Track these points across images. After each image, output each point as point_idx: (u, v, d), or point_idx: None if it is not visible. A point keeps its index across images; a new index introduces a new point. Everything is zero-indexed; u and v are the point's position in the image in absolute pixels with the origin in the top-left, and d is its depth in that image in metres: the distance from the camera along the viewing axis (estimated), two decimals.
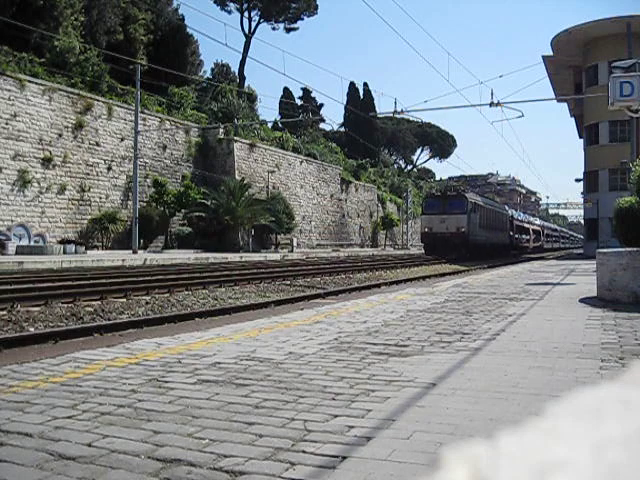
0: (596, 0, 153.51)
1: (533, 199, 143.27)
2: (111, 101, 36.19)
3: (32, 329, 8.13)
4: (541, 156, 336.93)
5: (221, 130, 43.39)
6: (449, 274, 21.72)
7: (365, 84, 76.62)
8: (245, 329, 6.17)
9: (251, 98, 57.74)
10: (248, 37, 60.75)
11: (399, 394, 3.48)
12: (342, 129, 76.14)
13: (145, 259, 25.29)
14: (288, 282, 16.92)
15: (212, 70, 63.56)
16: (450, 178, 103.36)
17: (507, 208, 54.01)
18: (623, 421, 0.43)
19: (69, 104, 32.92)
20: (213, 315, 9.84)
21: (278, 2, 60.97)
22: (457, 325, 6.35)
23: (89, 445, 2.68)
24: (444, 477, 0.40)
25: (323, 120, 72.85)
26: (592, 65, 39.84)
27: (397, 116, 34.35)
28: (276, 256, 34.87)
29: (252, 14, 62.92)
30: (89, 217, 33.15)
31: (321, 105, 77.27)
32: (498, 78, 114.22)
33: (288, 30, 66.70)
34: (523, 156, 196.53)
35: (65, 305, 10.51)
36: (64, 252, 25.99)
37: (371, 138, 70.11)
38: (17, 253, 25.67)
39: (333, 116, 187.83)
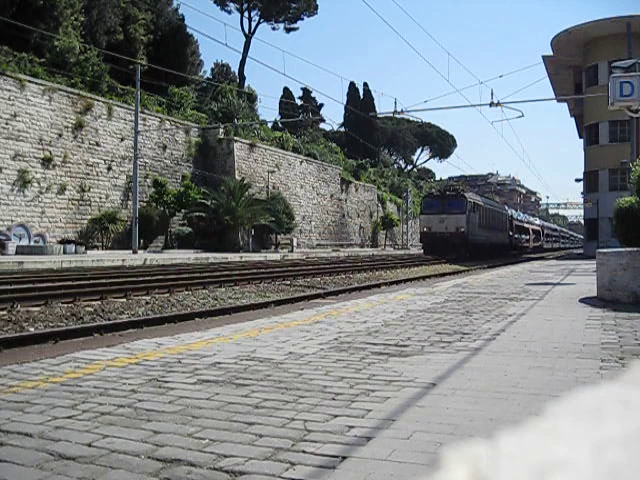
0: (596, 0, 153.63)
1: (533, 199, 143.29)
2: (111, 101, 36.19)
3: (32, 329, 8.13)
4: (541, 156, 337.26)
5: (221, 130, 43.39)
6: (449, 274, 21.72)
7: (365, 84, 76.71)
8: (245, 329, 6.17)
9: (251, 98, 57.75)
10: (248, 37, 60.78)
11: (399, 394, 3.48)
12: (342, 129, 76.16)
13: (145, 259, 25.29)
14: (288, 282, 16.92)
15: (212, 70, 63.64)
16: (450, 178, 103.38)
17: (507, 208, 54.00)
18: (623, 421, 0.43)
19: (69, 104, 32.92)
20: (213, 315, 9.84)
21: (278, 2, 60.98)
22: (457, 325, 6.35)
23: (89, 445, 2.68)
24: (444, 477, 0.40)
25: (323, 120, 72.95)
26: (592, 65, 39.84)
27: (397, 116, 34.34)
28: (276, 256, 34.87)
29: (252, 14, 62.98)
30: (89, 217, 33.15)
31: (321, 105, 77.31)
32: (498, 78, 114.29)
33: (288, 30, 66.77)
34: (523, 156, 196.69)
35: (65, 305, 10.51)
36: (64, 252, 25.99)
37: (371, 138, 70.11)
38: (17, 253, 25.67)
39: (333, 116, 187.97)
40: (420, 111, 77.74)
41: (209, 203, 38.57)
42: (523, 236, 56.27)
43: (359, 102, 70.10)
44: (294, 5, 63.01)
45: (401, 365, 4.30)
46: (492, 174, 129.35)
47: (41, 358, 4.69)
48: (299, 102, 74.55)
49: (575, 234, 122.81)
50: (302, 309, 8.82)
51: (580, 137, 48.62)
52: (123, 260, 23.93)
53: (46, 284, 13.67)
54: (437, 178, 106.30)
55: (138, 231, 30.43)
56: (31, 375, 4.05)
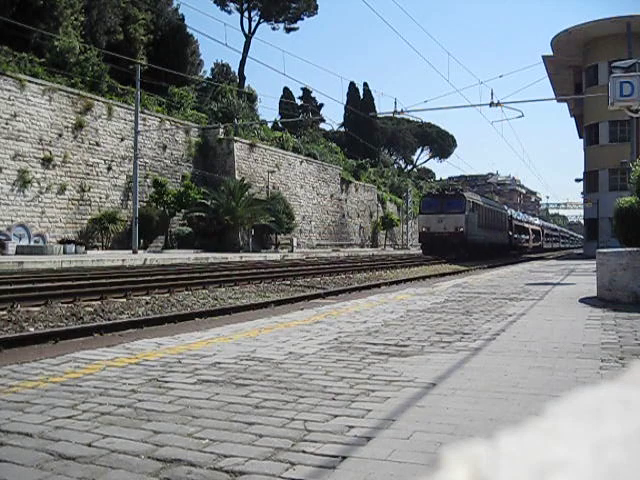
0: (596, 0, 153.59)
1: (533, 199, 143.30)
2: (111, 101, 36.20)
3: (32, 329, 8.13)
4: (541, 156, 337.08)
5: (221, 130, 43.40)
6: (449, 274, 21.72)
7: (365, 84, 76.72)
8: (245, 329, 6.17)
9: (251, 98, 57.76)
10: (248, 37, 60.79)
11: (399, 394, 3.48)
12: (342, 129, 76.16)
13: (145, 259, 25.29)
14: (288, 282, 16.92)
15: (212, 70, 63.64)
16: (450, 178, 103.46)
17: (506, 208, 53.97)
18: (623, 421, 0.43)
19: (69, 104, 32.92)
20: (213, 315, 9.84)
21: (278, 2, 60.98)
22: (457, 325, 6.35)
23: (89, 445, 2.68)
24: (444, 477, 0.40)
25: (323, 120, 72.95)
26: (592, 65, 39.84)
27: (397, 116, 34.32)
28: (276, 256, 34.88)
29: (252, 14, 62.99)
30: (89, 217, 33.15)
31: (321, 105, 77.31)
32: (498, 78, 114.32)
33: (288, 30, 66.78)
34: (523, 156, 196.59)
35: (65, 305, 10.51)
36: (64, 252, 25.99)
37: (371, 138, 70.12)
38: (17, 253, 25.67)
39: (333, 116, 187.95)
40: (420, 111, 77.73)
41: (209, 203, 38.57)
42: (523, 236, 56.26)
43: (359, 102, 70.10)
44: (294, 5, 63.01)
45: (401, 365, 4.30)
46: (492, 174, 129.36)
47: (41, 358, 4.69)
48: (299, 102, 74.56)
49: (575, 234, 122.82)
50: (302, 309, 8.82)
51: (580, 137, 48.63)
52: (123, 260, 23.93)
53: (46, 284, 13.67)
54: (437, 178, 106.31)
55: (138, 231, 30.43)
56: (31, 375, 4.05)
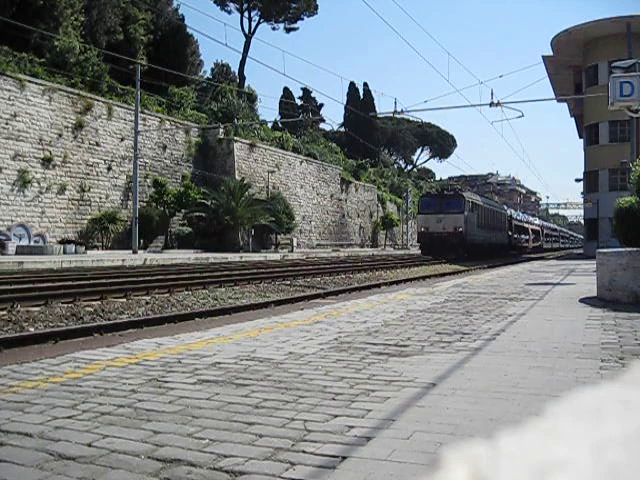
0: (596, 0, 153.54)
1: (533, 199, 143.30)
2: (111, 101, 36.20)
3: (32, 329, 8.13)
4: (541, 156, 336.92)
5: (221, 130, 43.40)
6: (449, 274, 21.72)
7: (365, 84, 76.72)
8: (245, 329, 6.17)
9: (251, 98, 57.76)
10: (248, 37, 60.78)
11: (399, 394, 3.48)
12: (342, 129, 76.16)
13: (145, 259, 25.29)
14: (288, 282, 16.92)
15: (212, 70, 63.63)
16: (450, 178, 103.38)
17: (506, 208, 53.93)
18: (623, 421, 0.43)
19: (69, 104, 32.92)
20: (213, 315, 9.84)
21: (278, 2, 60.98)
22: (457, 325, 6.35)
23: (89, 445, 2.68)
24: (444, 477, 0.40)
25: (323, 120, 72.94)
26: (592, 65, 39.84)
27: (397, 116, 34.30)
28: (276, 256, 34.88)
29: (252, 14, 62.98)
30: (89, 217, 33.15)
31: (321, 105, 77.31)
32: (498, 78, 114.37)
33: (288, 30, 66.77)
34: (523, 156, 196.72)
35: (65, 305, 10.51)
36: (64, 252, 25.99)
37: (371, 138, 70.12)
38: (17, 253, 25.67)
39: (333, 116, 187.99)
40: (420, 111, 77.79)
41: (209, 203, 38.57)
42: (522, 236, 56.24)
43: (359, 102, 70.11)
44: (294, 5, 63.01)
45: (401, 365, 4.30)
46: (492, 174, 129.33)
47: (41, 358, 4.69)
48: (299, 102, 74.56)
49: (575, 234, 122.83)
50: (302, 309, 8.82)
51: (580, 137, 48.63)
52: (123, 260, 23.93)
53: (46, 284, 13.67)
54: (437, 178, 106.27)
55: (138, 231, 30.43)
56: (31, 375, 4.05)
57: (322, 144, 62.91)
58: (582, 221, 57.32)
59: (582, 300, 8.97)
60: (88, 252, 28.15)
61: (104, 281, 14.44)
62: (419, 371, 4.09)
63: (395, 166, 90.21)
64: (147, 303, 11.31)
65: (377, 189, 67.68)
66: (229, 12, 63.74)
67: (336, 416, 3.07)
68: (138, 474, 2.37)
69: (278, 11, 62.63)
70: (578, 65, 41.58)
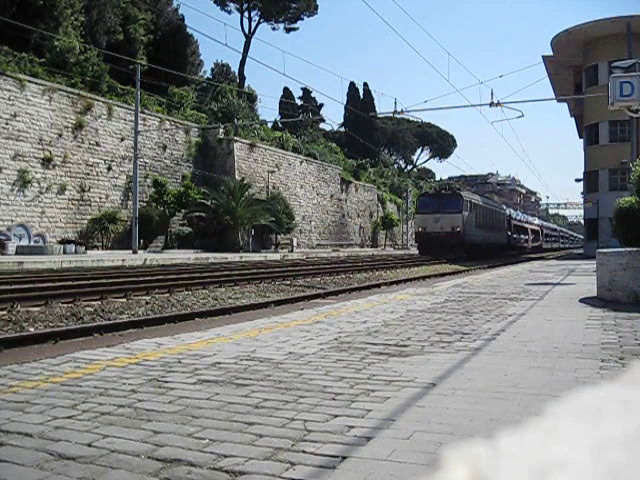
0: (596, 0, 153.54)
1: (533, 199, 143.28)
2: (111, 101, 36.20)
3: (32, 329, 8.13)
4: (541, 156, 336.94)
5: (221, 130, 43.40)
6: (449, 274, 21.72)
7: (365, 84, 76.72)
8: (245, 329, 6.17)
9: (251, 98, 57.76)
10: (248, 37, 60.78)
11: (399, 394, 3.48)
12: (342, 129, 76.17)
13: (145, 259, 25.29)
14: (288, 282, 16.92)
15: (212, 70, 63.63)
16: (450, 178, 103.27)
17: (505, 207, 53.86)
18: (623, 421, 0.43)
19: (69, 104, 32.92)
20: (213, 315, 9.84)
21: (278, 2, 60.98)
22: (457, 325, 6.35)
23: (89, 445, 2.68)
24: (444, 477, 0.40)
25: (323, 120, 72.95)
26: (592, 65, 39.84)
27: (397, 116, 34.28)
28: (276, 256, 34.88)
29: (252, 14, 62.98)
30: (89, 217, 33.16)
31: (321, 105, 77.32)
32: (498, 78, 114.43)
33: (288, 30, 66.77)
34: (523, 156, 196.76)
35: (65, 305, 10.51)
36: (64, 252, 25.99)
37: (371, 138, 70.12)
38: (17, 253, 25.68)
39: (333, 116, 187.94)
40: (420, 111, 77.82)
41: (209, 203, 38.58)
42: (522, 236, 56.20)
43: (359, 102, 70.11)
44: (294, 5, 63.01)
45: (401, 365, 4.30)
46: (492, 174, 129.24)
47: (41, 358, 4.70)
48: (299, 102, 74.56)
49: (575, 234, 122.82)
50: (302, 309, 8.83)
51: (580, 137, 48.63)
52: (123, 260, 23.93)
53: (46, 284, 13.67)
54: (437, 178, 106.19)
55: (138, 231, 30.43)
56: (31, 375, 4.05)
57: (322, 144, 62.91)
58: (582, 221, 57.32)
59: (582, 300, 8.98)
60: (88, 252, 28.15)
61: (104, 281, 14.44)
62: (419, 371, 4.09)
63: (395, 166, 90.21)
64: (147, 303, 11.31)
65: (377, 189, 67.69)
66: (229, 12, 63.82)
67: (336, 416, 3.07)
68: (138, 474, 2.37)
69: (278, 11, 62.63)
70: (578, 65, 41.58)
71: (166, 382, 3.84)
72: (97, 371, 4.17)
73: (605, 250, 9.82)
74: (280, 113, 66.05)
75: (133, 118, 32.25)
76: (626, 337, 5.46)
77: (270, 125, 56.44)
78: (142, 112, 34.93)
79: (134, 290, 12.65)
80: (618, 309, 7.68)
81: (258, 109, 61.45)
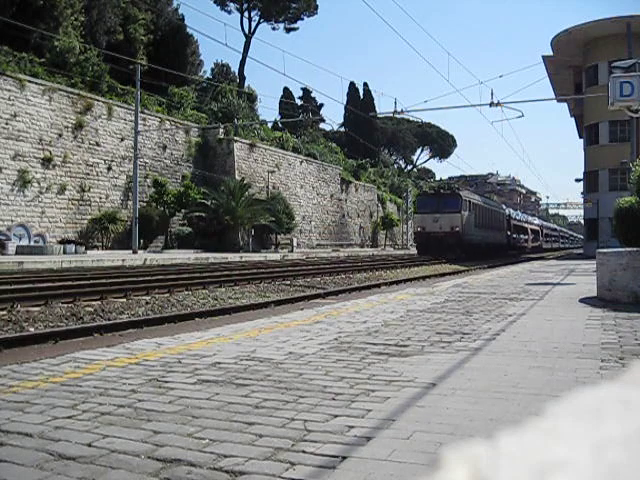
0: (596, 0, 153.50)
1: (533, 199, 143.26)
2: (111, 101, 36.20)
3: (32, 329, 8.13)
4: (541, 156, 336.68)
5: (221, 130, 43.40)
6: (449, 274, 21.72)
7: (365, 84, 76.73)
8: (245, 329, 6.17)
9: (251, 98, 57.76)
10: (248, 37, 60.79)
11: (399, 394, 3.48)
12: (342, 129, 76.17)
13: (145, 259, 25.29)
14: (288, 282, 16.92)
15: (212, 70, 63.63)
16: (450, 178, 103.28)
17: (504, 207, 53.81)
18: (623, 421, 0.43)
19: (69, 104, 32.93)
20: (213, 315, 9.84)
21: (278, 2, 60.98)
22: (457, 325, 6.35)
23: (89, 445, 2.68)
24: (444, 477, 0.40)
25: (323, 120, 72.95)
26: (592, 65, 39.84)
27: (397, 116, 34.26)
28: (276, 256, 34.88)
29: (252, 14, 62.99)
30: (89, 217, 33.16)
31: (321, 105, 77.32)
32: (498, 78, 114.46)
33: (288, 30, 66.77)
34: (523, 156, 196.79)
35: (65, 305, 10.52)
36: (64, 252, 25.99)
37: (371, 138, 70.12)
38: (17, 253, 25.68)
39: (333, 116, 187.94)
40: (420, 111, 77.84)
41: (209, 203, 38.58)
42: (521, 236, 56.16)
43: (359, 102, 70.11)
44: (294, 5, 63.01)
45: (401, 365, 4.30)
46: (492, 174, 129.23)
47: (41, 358, 4.70)
48: (299, 102, 74.57)
49: (575, 234, 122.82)
50: (302, 309, 8.83)
51: (580, 137, 48.64)
52: (123, 260, 23.93)
53: (46, 284, 13.67)
54: (437, 178, 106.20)
55: (138, 231, 30.44)
56: (31, 375, 4.05)
57: (322, 144, 62.91)
58: (582, 221, 57.32)
59: (582, 300, 8.98)
60: (88, 252, 28.15)
61: (104, 281, 14.44)
62: (419, 371, 4.09)
63: (395, 166, 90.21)
64: (147, 303, 11.31)
65: (377, 189, 67.69)
66: (229, 12, 63.82)
67: (336, 416, 3.07)
68: (138, 474, 2.37)
69: (278, 11, 62.64)
70: (578, 65, 41.58)
71: (166, 382, 3.84)
72: (97, 371, 4.17)
73: (605, 250, 9.82)
74: (280, 113, 66.09)
75: (133, 118, 32.25)
76: (626, 337, 5.46)
77: (270, 125, 56.46)
78: (142, 112, 34.94)
79: (134, 290, 12.65)
80: (618, 309, 7.68)
81: (258, 109, 61.53)
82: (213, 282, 15.19)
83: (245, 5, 62.05)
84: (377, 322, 6.62)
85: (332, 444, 2.66)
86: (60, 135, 32.10)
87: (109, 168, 35.01)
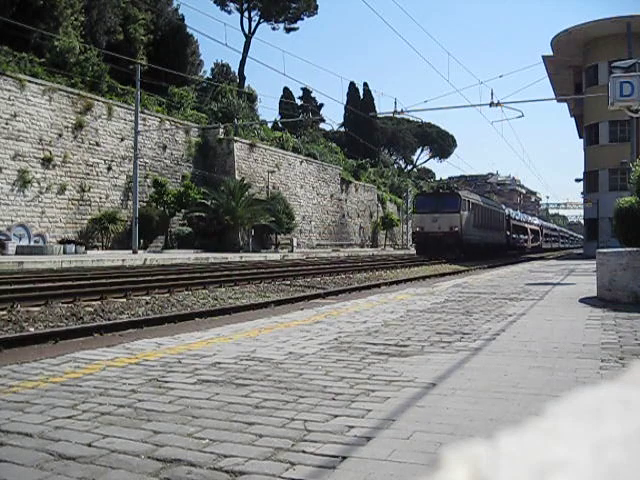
0: (596, 0, 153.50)
1: (533, 199, 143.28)
2: (111, 101, 36.20)
3: (32, 329, 8.13)
4: (541, 156, 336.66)
5: (221, 130, 43.40)
6: (449, 274, 21.72)
7: (365, 84, 76.72)
8: (245, 329, 6.17)
9: (251, 98, 57.76)
10: (248, 37, 60.79)
11: (399, 394, 3.48)
12: (342, 129, 76.17)
13: (145, 259, 25.29)
14: (288, 282, 16.92)
15: (212, 70, 63.62)
16: (450, 178, 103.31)
17: (504, 207, 53.77)
18: (623, 421, 0.43)
19: (69, 104, 32.92)
20: (213, 315, 9.84)
21: (278, 2, 60.97)
22: (457, 325, 6.35)
23: (89, 445, 2.68)
24: (444, 477, 0.40)
25: (323, 120, 72.96)
26: (592, 65, 39.84)
27: (397, 116, 34.24)
28: (276, 256, 34.88)
29: (252, 14, 62.98)
30: (89, 217, 33.16)
31: (321, 105, 77.31)
32: (498, 78, 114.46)
33: (288, 30, 66.76)
34: (523, 156, 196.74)
35: (65, 305, 10.51)
36: (64, 252, 25.99)
37: (371, 138, 70.11)
38: (17, 253, 25.68)
39: (333, 116, 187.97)
40: (420, 111, 77.86)
41: (209, 203, 38.57)
42: (521, 236, 56.14)
43: (359, 102, 70.11)
44: (294, 5, 63.00)
45: (401, 365, 4.30)
46: (492, 174, 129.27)
47: (41, 358, 4.70)
48: (299, 102, 74.56)
49: (575, 234, 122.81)
50: (302, 309, 8.83)
51: (580, 137, 48.63)
52: (123, 260, 23.93)
53: (46, 284, 13.67)
54: (437, 178, 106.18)
55: (138, 231, 30.43)
56: (31, 375, 4.05)
57: (322, 144, 62.91)
58: (582, 221, 57.30)
59: (582, 300, 8.98)
60: (88, 252, 28.15)
61: (104, 281, 14.44)
62: (419, 371, 4.09)
63: (395, 166, 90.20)
64: (147, 303, 11.31)
65: (377, 189, 67.68)
66: (229, 12, 63.81)
67: (336, 416, 3.07)
68: (138, 474, 2.37)
69: (278, 11, 62.63)
70: (578, 65, 41.58)
71: (166, 382, 3.84)
72: (97, 371, 4.17)
73: (605, 250, 9.82)
74: (280, 113, 66.09)
75: (133, 118, 32.25)
76: (626, 337, 5.46)
77: (270, 125, 56.45)
78: (142, 112, 34.93)
79: (134, 290, 12.65)
80: (618, 309, 7.68)
81: (258, 109, 61.53)
82: (213, 282, 15.19)
83: (245, 5, 62.04)
84: (377, 322, 6.62)
85: (332, 444, 2.66)
86: (60, 135, 32.10)
87: (109, 168, 35.01)
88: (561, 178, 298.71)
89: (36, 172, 30.37)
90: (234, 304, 11.30)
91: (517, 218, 56.19)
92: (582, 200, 47.97)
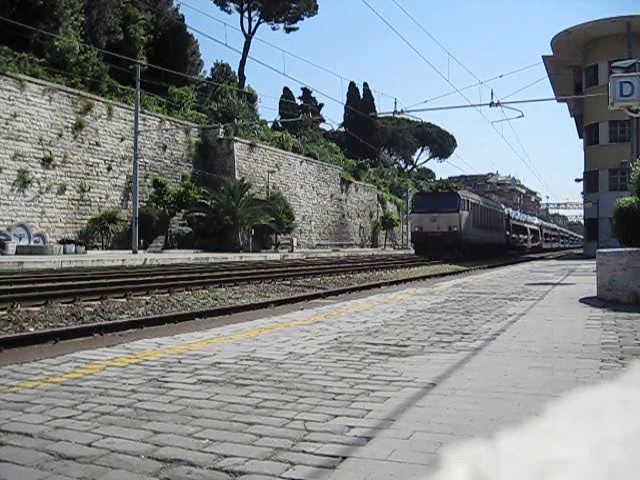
0: (596, 0, 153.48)
1: (533, 199, 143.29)
2: (111, 101, 36.20)
3: (32, 329, 8.13)
4: (541, 156, 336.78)
5: (221, 130, 43.39)
6: (449, 274, 21.72)
7: (365, 84, 76.71)
8: (245, 329, 6.17)
9: (251, 98, 57.76)
10: (248, 37, 60.78)
11: (399, 394, 3.48)
12: (342, 129, 76.16)
13: (145, 259, 25.29)
14: (288, 282, 16.92)
15: (212, 70, 63.62)
16: (450, 178, 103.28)
17: (503, 207, 53.73)
18: (623, 421, 0.43)
19: (69, 104, 32.92)
20: (213, 315, 9.84)
21: (278, 2, 60.97)
22: (457, 325, 6.35)
23: (89, 445, 2.68)
24: (444, 477, 0.40)
25: (323, 120, 72.95)
26: (592, 65, 39.84)
27: (397, 116, 34.22)
28: (276, 256, 34.88)
29: (252, 14, 62.97)
30: (89, 217, 33.16)
31: (321, 105, 77.30)
32: (498, 78, 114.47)
33: (288, 30, 66.76)
34: (523, 156, 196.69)
35: (65, 305, 10.51)
36: (64, 252, 25.99)
37: (371, 138, 70.10)
38: (17, 253, 25.67)
39: (333, 116, 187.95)
40: (420, 111, 77.87)
41: (209, 203, 38.57)
42: (521, 236, 56.11)
43: (359, 102, 70.10)
44: (294, 5, 63.00)
45: (401, 365, 4.30)
46: (492, 174, 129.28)
47: (41, 358, 4.69)
48: (299, 102, 74.55)
49: (575, 234, 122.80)
50: (302, 309, 8.83)
51: (580, 137, 48.63)
52: (123, 260, 23.93)
53: (46, 284, 13.67)
54: (437, 178, 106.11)
55: (138, 231, 30.43)
56: (31, 375, 4.05)
57: (322, 144, 62.90)
58: (582, 221, 57.30)
59: (582, 300, 8.98)
60: (88, 252, 28.14)
61: (104, 281, 14.44)
62: (419, 371, 4.09)
63: (395, 166, 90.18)
64: (147, 303, 11.31)
65: (377, 189, 67.67)
66: (229, 12, 63.81)
67: (336, 416, 3.07)
68: (138, 474, 2.37)
69: (278, 11, 62.63)
70: (578, 65, 41.58)
71: (166, 382, 3.84)
72: (97, 371, 4.17)
73: (605, 250, 9.81)
74: (280, 113, 66.08)
75: (133, 118, 32.25)
76: (626, 337, 5.46)
77: (270, 125, 56.44)
78: (142, 112, 34.93)
79: (134, 290, 12.65)
80: (618, 309, 7.68)
81: (258, 109, 61.52)
82: (213, 282, 15.19)
83: (245, 5, 62.04)
84: (377, 322, 6.62)
85: (332, 444, 2.66)
86: (60, 135, 32.09)
87: (109, 168, 35.01)
88: (561, 178, 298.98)
89: (36, 172, 30.37)
90: (234, 304, 11.30)
91: (517, 218, 56.18)
92: (582, 200, 47.97)
